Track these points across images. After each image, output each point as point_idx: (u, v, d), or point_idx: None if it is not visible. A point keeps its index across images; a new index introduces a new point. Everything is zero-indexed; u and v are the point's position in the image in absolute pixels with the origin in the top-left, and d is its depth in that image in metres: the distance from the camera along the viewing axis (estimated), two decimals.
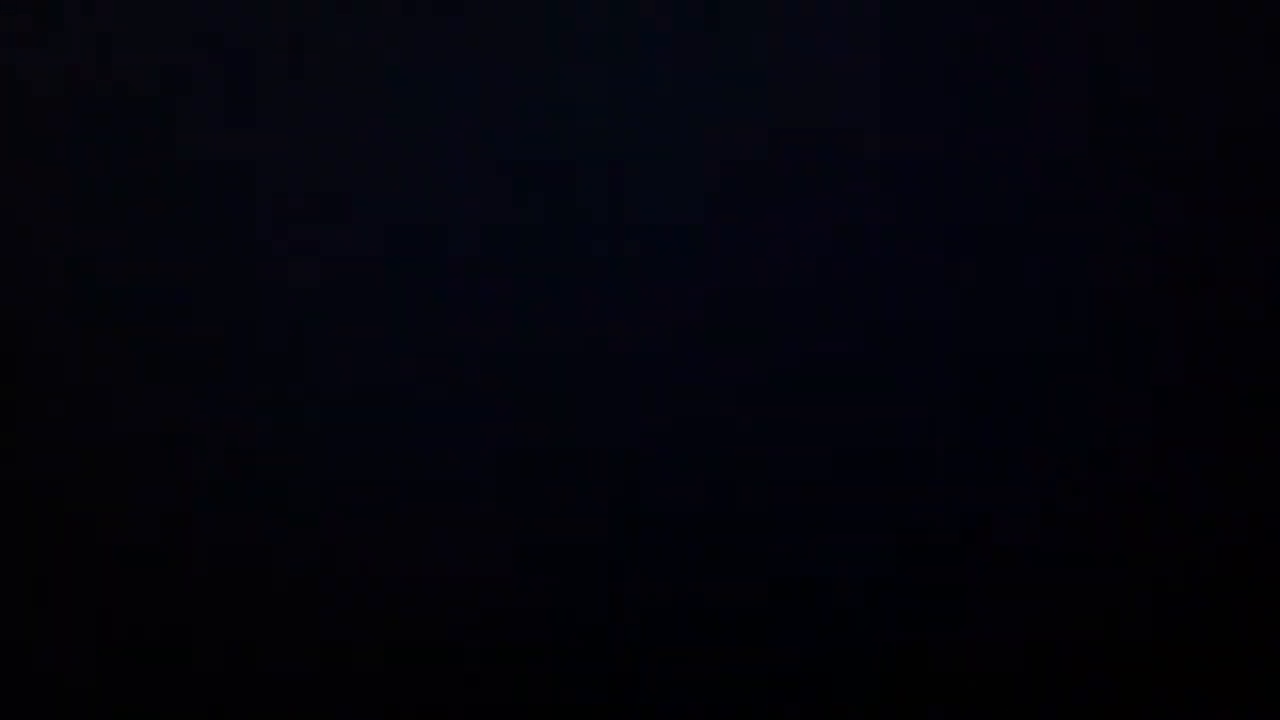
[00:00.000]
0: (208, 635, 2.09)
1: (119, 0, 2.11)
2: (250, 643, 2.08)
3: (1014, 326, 2.08)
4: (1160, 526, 2.07)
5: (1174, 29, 2.09)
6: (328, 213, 2.10)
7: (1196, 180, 2.08)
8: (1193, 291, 2.08)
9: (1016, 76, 2.09)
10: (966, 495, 2.07)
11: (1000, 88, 2.09)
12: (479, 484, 2.09)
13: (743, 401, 2.08)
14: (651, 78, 2.10)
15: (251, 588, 2.09)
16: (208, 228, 2.10)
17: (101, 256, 2.11)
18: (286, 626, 2.08)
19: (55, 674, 2.09)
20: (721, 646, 2.07)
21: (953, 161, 2.08)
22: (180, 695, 2.08)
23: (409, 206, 2.10)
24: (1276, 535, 2.06)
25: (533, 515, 2.09)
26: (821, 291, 2.08)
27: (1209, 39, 2.09)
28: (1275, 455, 2.06)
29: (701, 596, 2.08)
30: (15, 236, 2.11)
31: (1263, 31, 2.08)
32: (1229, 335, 2.08)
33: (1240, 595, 2.06)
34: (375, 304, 2.10)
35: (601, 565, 2.08)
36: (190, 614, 2.09)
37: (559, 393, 2.09)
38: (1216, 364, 2.08)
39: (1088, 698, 2.06)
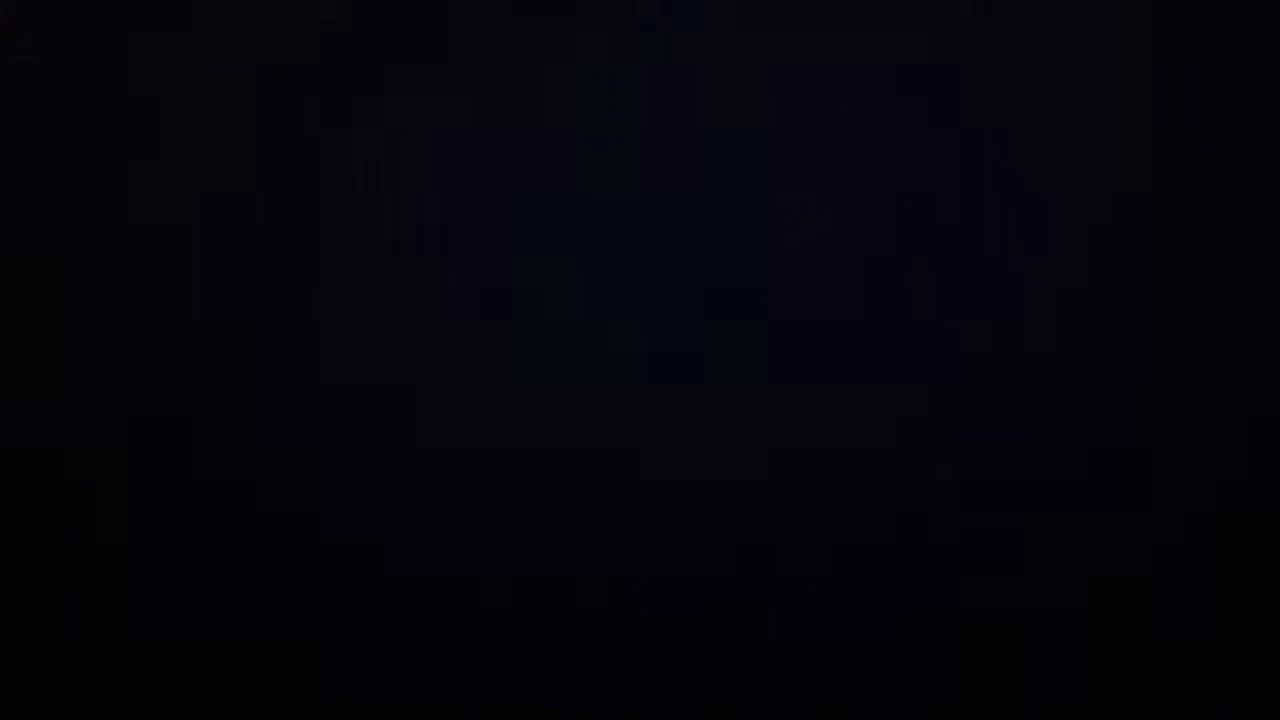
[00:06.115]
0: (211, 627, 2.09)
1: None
2: (251, 639, 2.08)
3: (1025, 349, 2.08)
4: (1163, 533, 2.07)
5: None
6: (330, 213, 2.12)
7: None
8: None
9: (1017, 93, 2.10)
10: (966, 509, 2.07)
11: (1010, 105, 2.10)
12: (480, 483, 2.09)
13: (747, 409, 2.09)
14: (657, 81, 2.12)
15: (253, 582, 2.09)
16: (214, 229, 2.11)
17: (102, 250, 2.12)
18: (287, 621, 2.08)
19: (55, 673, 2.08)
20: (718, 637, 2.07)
21: (960, 182, 2.09)
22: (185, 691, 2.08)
23: (416, 207, 2.12)
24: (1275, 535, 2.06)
25: (531, 519, 2.09)
26: (828, 312, 2.09)
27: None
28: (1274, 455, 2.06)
29: (700, 599, 2.08)
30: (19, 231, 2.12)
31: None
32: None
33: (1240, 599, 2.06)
34: (381, 301, 2.11)
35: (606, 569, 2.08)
36: (196, 604, 2.09)
37: (562, 395, 2.09)
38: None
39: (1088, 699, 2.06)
